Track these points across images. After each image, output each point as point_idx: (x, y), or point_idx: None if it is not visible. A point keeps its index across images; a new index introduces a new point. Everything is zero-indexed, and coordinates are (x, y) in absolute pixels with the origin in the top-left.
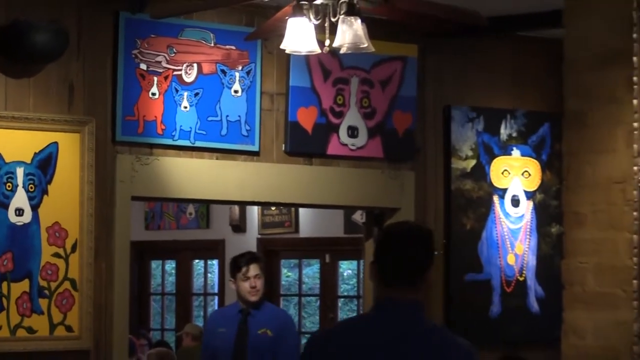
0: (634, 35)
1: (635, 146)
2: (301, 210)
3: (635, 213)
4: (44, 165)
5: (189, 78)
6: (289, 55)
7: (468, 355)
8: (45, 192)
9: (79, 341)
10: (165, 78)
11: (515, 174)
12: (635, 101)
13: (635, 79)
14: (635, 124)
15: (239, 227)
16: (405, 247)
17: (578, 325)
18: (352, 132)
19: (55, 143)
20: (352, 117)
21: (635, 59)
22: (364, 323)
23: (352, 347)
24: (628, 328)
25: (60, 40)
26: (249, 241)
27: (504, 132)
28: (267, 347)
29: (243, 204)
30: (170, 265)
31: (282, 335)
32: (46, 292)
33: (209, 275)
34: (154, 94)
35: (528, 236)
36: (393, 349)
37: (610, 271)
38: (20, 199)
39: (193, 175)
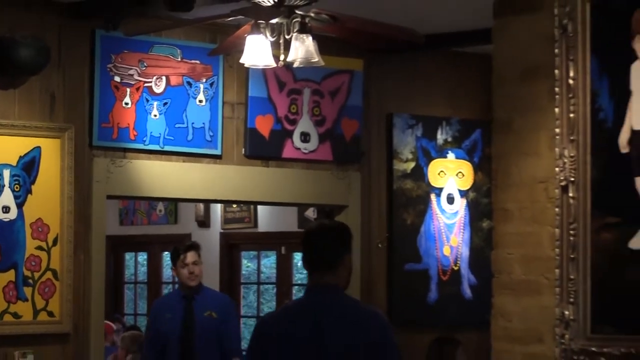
0: (556, 51)
1: (556, 150)
2: (259, 207)
3: (556, 209)
4: (28, 167)
5: (158, 89)
6: (247, 68)
7: (382, 320)
8: (29, 191)
9: (60, 325)
10: (137, 89)
11: (451, 175)
12: (556, 109)
13: (556, 89)
14: (557, 130)
15: (204, 222)
16: (320, 241)
17: (506, 310)
18: (305, 137)
19: (38, 147)
20: (305, 124)
21: (556, 71)
22: (298, 306)
23: (289, 326)
24: (550, 312)
25: (43, 55)
26: (213, 235)
27: (440, 137)
28: (213, 329)
29: (207, 202)
30: (142, 257)
31: (226, 317)
32: (30, 281)
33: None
34: (127, 104)
35: (462, 230)
36: (320, 324)
37: (535, 261)
38: (6, 197)
39: (162, 176)
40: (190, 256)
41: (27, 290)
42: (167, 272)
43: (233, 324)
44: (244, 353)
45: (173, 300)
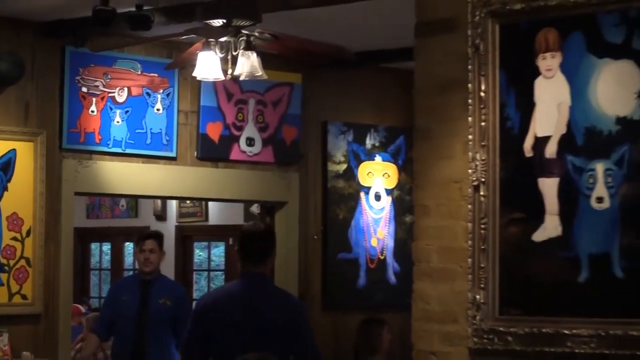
0: (469, 67)
1: (469, 154)
2: (210, 203)
3: (469, 206)
4: (5, 167)
5: (120, 99)
6: (200, 81)
7: (298, 302)
8: (5, 188)
9: (32, 307)
10: (102, 99)
11: (378, 175)
12: (469, 118)
13: (469, 101)
14: (470, 136)
15: (161, 216)
16: (253, 240)
17: (425, 294)
18: (250, 142)
19: (14, 150)
20: (250, 130)
21: (469, 85)
22: (232, 288)
23: (226, 305)
24: (463, 296)
25: (18, 68)
26: (169, 228)
27: (369, 142)
28: (167, 316)
29: (164, 199)
30: (107, 247)
31: (179, 305)
32: (6, 268)
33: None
34: (92, 111)
35: (387, 224)
36: (249, 304)
37: (450, 251)
38: None
39: (124, 176)
40: (148, 244)
41: (3, 276)
42: (128, 260)
43: (185, 311)
44: None
45: (131, 284)
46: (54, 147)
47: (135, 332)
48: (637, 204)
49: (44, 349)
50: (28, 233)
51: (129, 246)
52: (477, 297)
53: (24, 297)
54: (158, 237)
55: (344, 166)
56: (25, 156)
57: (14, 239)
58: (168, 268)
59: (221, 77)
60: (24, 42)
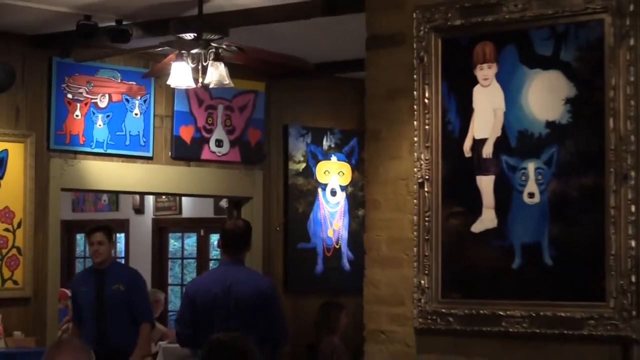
0: (414, 76)
1: (415, 154)
2: (183, 198)
3: (415, 201)
4: None
5: (102, 104)
6: (173, 88)
7: (269, 282)
8: None
9: (23, 291)
10: (85, 104)
11: (333, 173)
12: (415, 122)
13: (415, 107)
14: (415, 138)
15: (140, 210)
16: (234, 235)
17: (375, 279)
18: (219, 143)
19: (6, 150)
20: (219, 133)
21: (415, 93)
22: (214, 273)
23: (207, 285)
24: (410, 281)
25: (10, 76)
26: (146, 220)
27: (325, 144)
28: (121, 300)
29: (142, 194)
30: None
31: (132, 289)
32: None
33: (118, 244)
34: (77, 116)
35: (342, 217)
36: (229, 285)
37: (398, 241)
38: None
39: (105, 174)
40: (97, 236)
41: None
42: None
43: (140, 294)
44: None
45: (87, 275)
46: (42, 147)
47: (95, 318)
48: (564, 199)
49: (34, 329)
50: (19, 225)
51: None
52: (422, 282)
53: (15, 282)
54: (106, 229)
55: (303, 165)
56: (16, 156)
57: (6, 230)
58: (145, 257)
59: (192, 85)
60: (15, 53)
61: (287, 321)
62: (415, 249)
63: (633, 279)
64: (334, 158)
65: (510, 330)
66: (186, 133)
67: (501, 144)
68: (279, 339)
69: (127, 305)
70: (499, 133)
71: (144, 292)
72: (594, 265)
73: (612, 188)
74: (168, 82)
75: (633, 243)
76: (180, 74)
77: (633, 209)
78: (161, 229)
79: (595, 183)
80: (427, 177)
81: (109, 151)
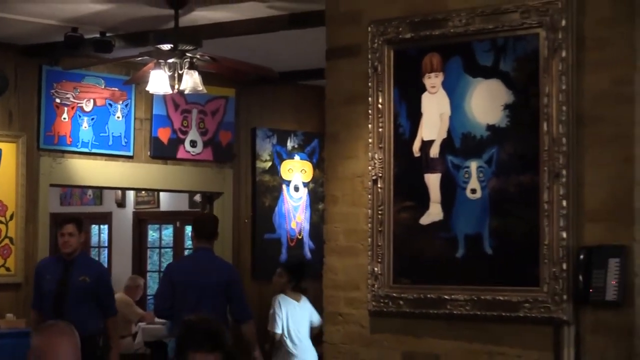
0: (369, 84)
1: (369, 154)
2: (161, 193)
3: (369, 196)
4: None
5: (87, 108)
6: (152, 94)
7: (233, 268)
8: None
9: (15, 277)
10: (72, 108)
11: (297, 171)
12: (370, 125)
13: (370, 111)
14: (370, 140)
15: (121, 204)
16: (204, 224)
17: (333, 267)
18: (193, 144)
19: (0, 149)
20: (193, 134)
21: (370, 99)
22: (189, 258)
23: (182, 268)
24: (364, 268)
25: (3, 83)
26: (128, 213)
27: (289, 144)
28: (86, 291)
29: (123, 189)
30: None
31: (98, 281)
32: None
33: (101, 235)
34: (64, 118)
35: (304, 210)
36: (199, 268)
37: (354, 232)
38: None
39: (90, 171)
40: (67, 228)
41: None
42: (94, 239)
43: (105, 286)
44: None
45: (53, 263)
46: (32, 147)
47: (53, 306)
48: (503, 194)
49: (24, 311)
50: (11, 217)
51: (94, 228)
52: (375, 269)
53: (7, 269)
54: (77, 221)
55: (269, 164)
56: (9, 154)
57: (0, 222)
58: (127, 246)
59: (169, 91)
60: (8, 61)
61: (253, 305)
62: (369, 239)
63: (564, 266)
64: (297, 157)
65: (455, 312)
66: (164, 134)
67: (447, 145)
68: (243, 315)
69: (92, 297)
70: (445, 135)
71: (110, 285)
72: (530, 254)
73: (545, 185)
74: (147, 89)
75: (564, 234)
76: (158, 81)
77: (564, 203)
78: (141, 221)
79: (531, 180)
80: (380, 174)
81: (94, 150)
